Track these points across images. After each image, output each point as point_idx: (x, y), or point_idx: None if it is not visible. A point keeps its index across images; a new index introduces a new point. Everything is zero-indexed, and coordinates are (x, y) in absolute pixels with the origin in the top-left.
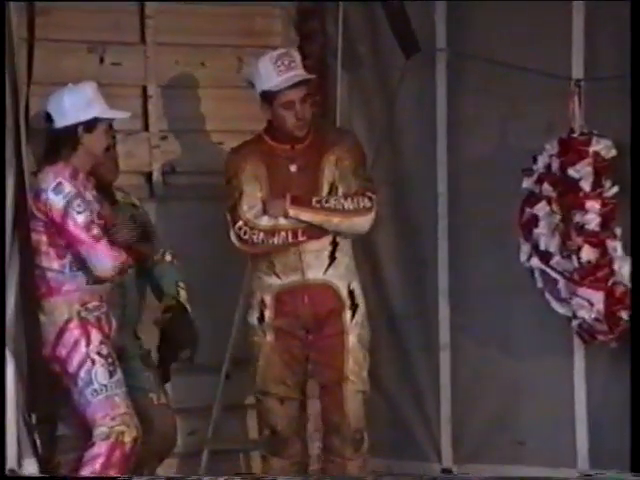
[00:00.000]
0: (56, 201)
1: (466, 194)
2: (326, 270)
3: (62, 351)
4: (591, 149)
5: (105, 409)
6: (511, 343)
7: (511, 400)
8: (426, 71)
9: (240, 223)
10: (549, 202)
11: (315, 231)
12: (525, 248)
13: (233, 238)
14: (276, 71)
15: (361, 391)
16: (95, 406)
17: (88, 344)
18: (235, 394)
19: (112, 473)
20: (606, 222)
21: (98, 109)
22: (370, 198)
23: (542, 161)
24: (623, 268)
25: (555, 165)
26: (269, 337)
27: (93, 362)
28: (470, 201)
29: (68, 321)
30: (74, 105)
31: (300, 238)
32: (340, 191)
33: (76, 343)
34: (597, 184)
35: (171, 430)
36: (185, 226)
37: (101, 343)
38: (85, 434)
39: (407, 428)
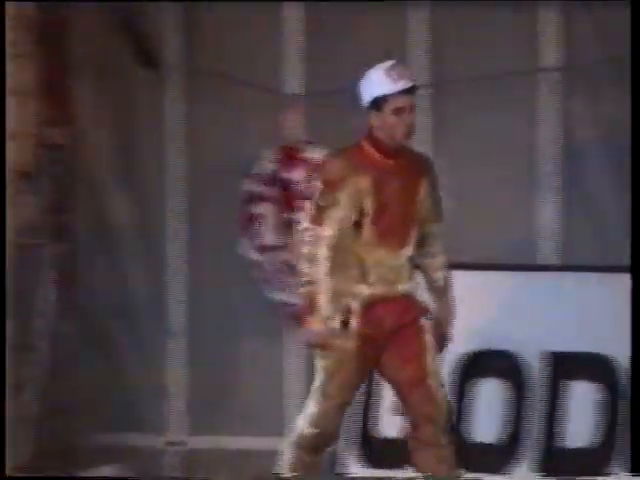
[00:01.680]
0: None
1: (196, 198)
2: (407, 282)
3: None
4: (306, 155)
5: None
6: (237, 327)
7: (236, 376)
8: (163, 84)
9: (307, 225)
10: (268, 201)
11: None
12: (245, 243)
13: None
14: (389, 78)
15: (442, 385)
16: None
17: None
18: None
19: None
20: None
21: None
22: None
23: (262, 166)
24: None
25: (274, 169)
26: (350, 344)
27: None
28: (201, 204)
29: None
30: None
31: None
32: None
33: None
34: None
35: None
36: None
37: None
38: None
39: (134, 403)
